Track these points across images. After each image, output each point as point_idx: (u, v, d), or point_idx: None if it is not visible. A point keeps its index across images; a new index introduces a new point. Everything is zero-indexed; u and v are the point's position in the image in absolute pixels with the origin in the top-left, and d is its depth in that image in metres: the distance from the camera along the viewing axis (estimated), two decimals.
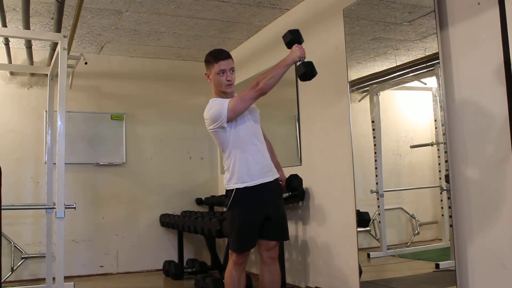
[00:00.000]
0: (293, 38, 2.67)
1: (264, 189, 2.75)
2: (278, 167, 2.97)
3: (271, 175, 2.81)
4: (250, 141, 2.77)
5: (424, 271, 3.33)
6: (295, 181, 3.12)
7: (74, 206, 3.40)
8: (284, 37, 2.71)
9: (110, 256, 5.24)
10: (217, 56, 2.77)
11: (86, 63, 4.36)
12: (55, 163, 3.31)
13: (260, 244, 2.83)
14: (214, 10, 4.23)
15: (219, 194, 5.52)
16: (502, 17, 2.40)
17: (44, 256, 4.44)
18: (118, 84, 5.50)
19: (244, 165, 2.73)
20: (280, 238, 2.87)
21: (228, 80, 2.74)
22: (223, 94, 2.80)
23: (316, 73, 2.64)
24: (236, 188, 2.73)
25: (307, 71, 2.60)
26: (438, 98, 2.90)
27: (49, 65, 4.47)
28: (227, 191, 2.79)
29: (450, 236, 2.74)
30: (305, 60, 2.62)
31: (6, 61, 4.71)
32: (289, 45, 2.68)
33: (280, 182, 2.96)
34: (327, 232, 3.80)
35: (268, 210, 2.76)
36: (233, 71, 2.78)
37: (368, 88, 3.61)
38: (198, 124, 5.71)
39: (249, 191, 2.71)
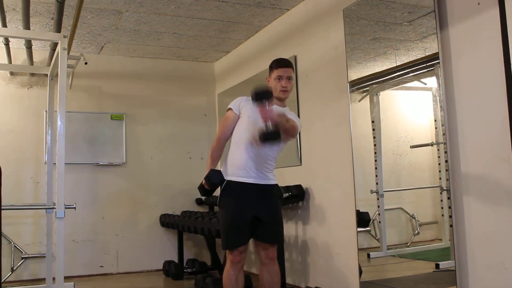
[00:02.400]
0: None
1: (252, 188, 2.80)
2: None
3: (263, 180, 2.82)
4: (248, 140, 2.81)
5: (424, 271, 3.33)
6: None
7: (74, 206, 3.40)
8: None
9: (110, 256, 5.25)
10: (278, 63, 2.95)
11: (86, 63, 4.36)
12: (55, 163, 3.31)
13: (256, 245, 2.88)
14: (214, 10, 4.23)
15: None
16: (502, 17, 2.40)
17: (44, 256, 4.44)
18: (118, 84, 5.50)
19: (233, 160, 2.84)
20: (272, 241, 2.88)
21: (283, 87, 2.87)
22: (276, 99, 2.85)
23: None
24: (227, 180, 2.84)
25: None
26: (438, 98, 2.90)
27: (49, 65, 4.47)
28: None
29: (450, 236, 2.74)
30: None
31: (6, 61, 4.71)
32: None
33: None
34: (327, 232, 3.80)
35: (257, 211, 2.79)
36: (290, 79, 2.91)
37: (368, 88, 3.61)
38: (198, 124, 5.75)
39: (235, 185, 2.81)
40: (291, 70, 2.93)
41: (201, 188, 2.94)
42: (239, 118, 2.90)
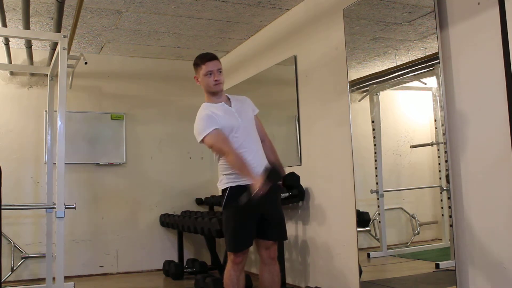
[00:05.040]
0: (270, 175, 2.60)
1: None
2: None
3: None
4: (242, 146, 2.77)
5: (424, 271, 3.33)
6: (290, 178, 3.11)
7: (74, 206, 3.40)
8: (267, 170, 2.62)
9: (110, 256, 5.25)
10: (204, 57, 2.86)
11: (86, 63, 4.36)
12: (55, 163, 3.31)
13: (258, 244, 2.85)
14: (214, 10, 4.23)
15: (219, 194, 5.51)
16: (502, 17, 2.40)
17: (44, 256, 4.44)
18: (118, 84, 5.50)
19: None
20: (278, 238, 2.88)
21: (216, 80, 2.79)
22: (212, 95, 2.86)
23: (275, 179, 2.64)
24: (230, 187, 2.77)
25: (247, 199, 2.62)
26: (438, 98, 2.90)
27: (49, 65, 4.47)
28: (222, 190, 2.85)
29: (450, 236, 2.74)
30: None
31: (6, 61, 4.71)
32: (268, 177, 2.58)
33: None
34: (327, 232, 3.80)
35: (264, 210, 2.77)
36: (220, 71, 2.84)
37: (368, 88, 3.61)
38: None
39: (242, 189, 2.72)
40: (218, 62, 2.85)
41: (248, 201, 2.66)
42: None
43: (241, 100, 2.97)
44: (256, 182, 2.55)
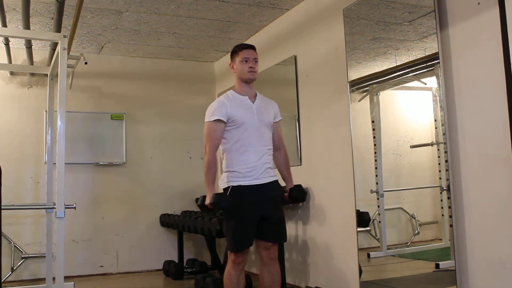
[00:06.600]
0: (213, 205, 2.77)
1: (259, 189, 2.78)
2: (289, 178, 3.08)
3: (267, 178, 2.83)
4: (249, 144, 2.80)
5: (424, 271, 3.33)
6: (295, 191, 3.18)
7: (74, 206, 3.40)
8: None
9: (110, 256, 5.25)
10: (242, 45, 2.96)
11: (86, 63, 4.35)
12: (55, 163, 3.31)
13: (258, 245, 2.86)
14: (214, 10, 4.23)
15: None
16: (502, 17, 2.40)
17: (44, 256, 4.44)
18: (118, 84, 5.50)
19: (239, 166, 2.79)
20: (277, 240, 2.88)
21: (251, 67, 2.85)
22: (244, 83, 2.90)
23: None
24: (232, 186, 2.78)
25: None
26: (438, 98, 2.90)
27: (49, 65, 4.47)
28: (223, 189, 2.84)
29: (450, 236, 2.74)
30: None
31: (6, 61, 4.71)
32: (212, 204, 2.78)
33: (285, 193, 3.02)
34: (327, 232, 3.80)
35: (264, 211, 2.78)
36: (256, 61, 2.90)
37: (368, 88, 3.60)
38: (198, 124, 5.71)
39: (243, 189, 2.76)
40: (255, 53, 2.92)
41: (203, 208, 2.91)
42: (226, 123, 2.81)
43: (267, 101, 3.00)
44: (207, 199, 2.77)
